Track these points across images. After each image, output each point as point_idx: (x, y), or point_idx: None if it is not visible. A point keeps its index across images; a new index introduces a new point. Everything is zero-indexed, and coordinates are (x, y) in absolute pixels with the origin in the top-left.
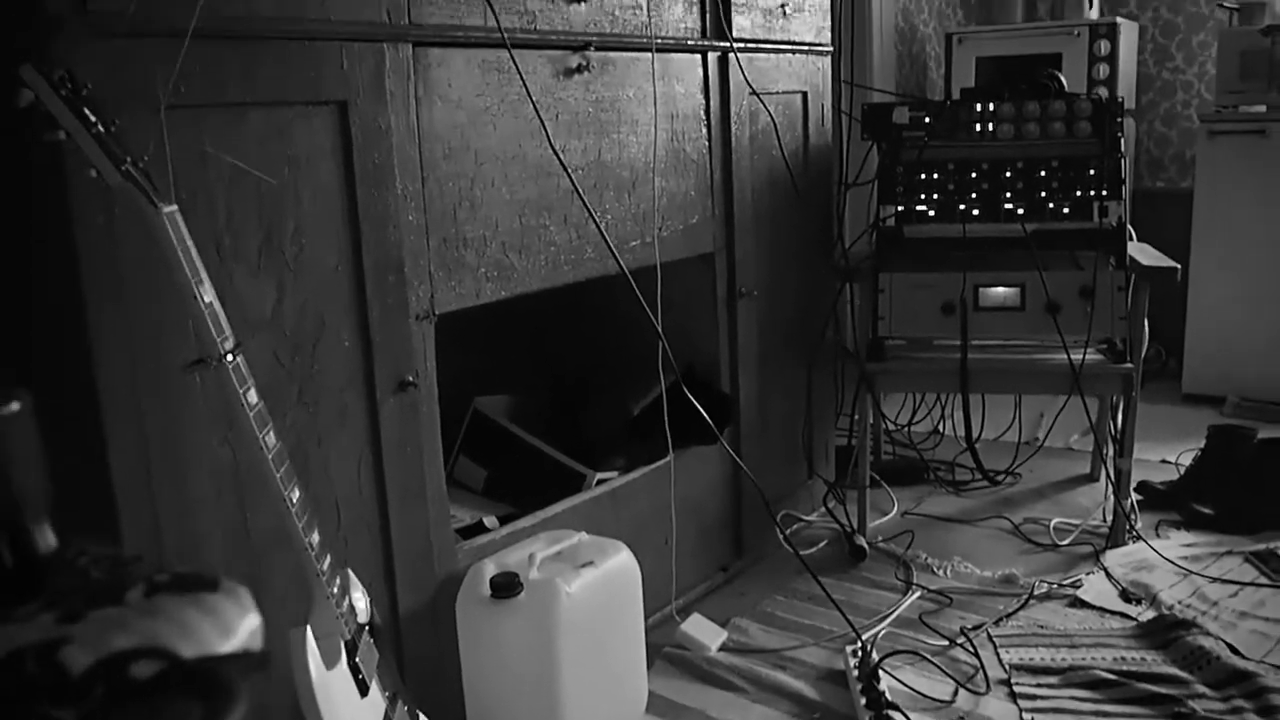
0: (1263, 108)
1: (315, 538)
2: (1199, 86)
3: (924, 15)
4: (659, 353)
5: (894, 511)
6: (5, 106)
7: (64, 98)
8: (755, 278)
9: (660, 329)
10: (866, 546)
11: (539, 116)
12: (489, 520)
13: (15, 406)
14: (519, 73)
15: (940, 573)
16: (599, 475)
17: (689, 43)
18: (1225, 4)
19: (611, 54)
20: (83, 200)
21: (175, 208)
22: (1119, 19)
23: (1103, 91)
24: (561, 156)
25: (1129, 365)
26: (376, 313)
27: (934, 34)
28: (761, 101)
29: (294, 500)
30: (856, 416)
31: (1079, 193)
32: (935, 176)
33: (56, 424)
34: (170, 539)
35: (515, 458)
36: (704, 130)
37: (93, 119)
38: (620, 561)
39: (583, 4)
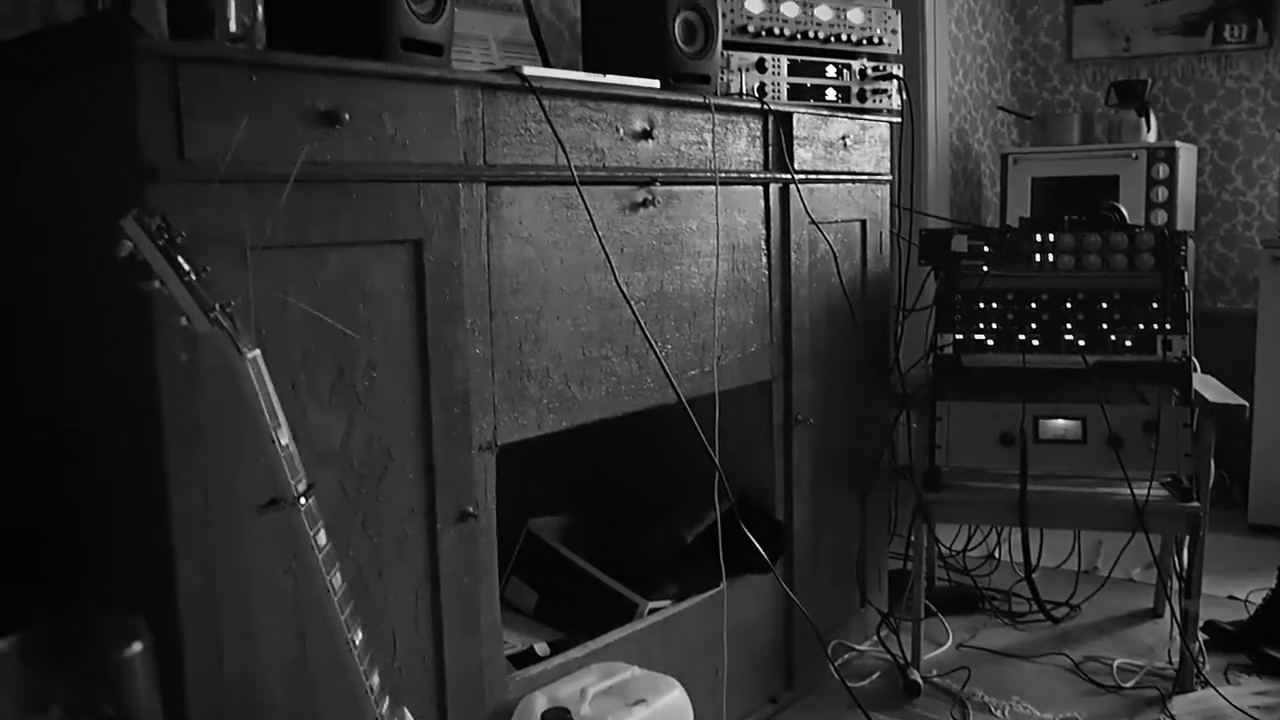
0: None
1: (375, 680)
2: (1260, 209)
3: (978, 134)
4: (715, 481)
5: (949, 643)
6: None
7: (160, 248)
8: (811, 405)
9: (717, 459)
10: (921, 682)
11: (604, 251)
12: (540, 647)
13: (138, 648)
14: (586, 209)
15: (998, 713)
16: (651, 604)
17: (752, 175)
18: None
19: (676, 188)
20: (168, 344)
21: (258, 352)
22: (1177, 143)
23: (1162, 214)
24: (625, 289)
25: (1195, 504)
26: (441, 444)
27: (989, 152)
28: (821, 231)
29: (356, 643)
30: (912, 538)
31: (1142, 325)
32: (994, 305)
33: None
34: (231, 668)
35: (568, 582)
36: (764, 259)
37: (185, 267)
38: (672, 700)
39: (650, 141)
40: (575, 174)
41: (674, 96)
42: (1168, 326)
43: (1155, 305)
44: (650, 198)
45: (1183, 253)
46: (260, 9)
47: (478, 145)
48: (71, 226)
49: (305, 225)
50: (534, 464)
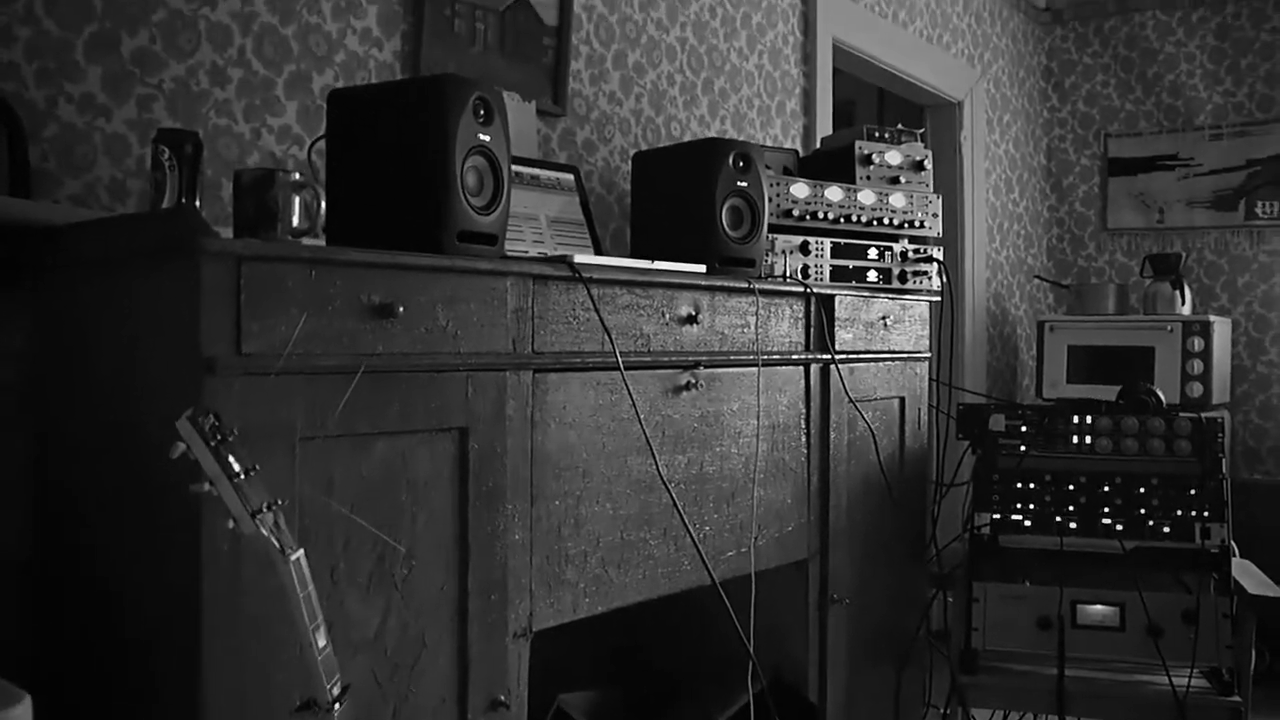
0: None
1: None
2: None
3: (1015, 299)
4: (748, 665)
5: None
6: (141, 442)
7: (212, 449)
8: (847, 583)
9: (751, 645)
10: None
11: (645, 436)
12: None
13: None
14: (630, 395)
15: None
16: None
17: (794, 356)
18: None
19: (719, 370)
20: (213, 542)
21: (301, 553)
22: (1212, 316)
23: (1198, 386)
24: (666, 472)
25: (1237, 699)
26: (476, 632)
27: (1025, 317)
28: (859, 411)
29: None
30: (945, 712)
31: (1180, 512)
32: (1032, 486)
33: None
34: None
35: None
36: (803, 439)
37: (235, 468)
38: None
39: (695, 325)
40: (620, 360)
41: (719, 282)
42: (1206, 514)
43: (1193, 492)
44: (693, 380)
45: (1220, 439)
46: (323, 203)
47: (526, 333)
48: (125, 414)
49: (354, 416)
50: (567, 636)
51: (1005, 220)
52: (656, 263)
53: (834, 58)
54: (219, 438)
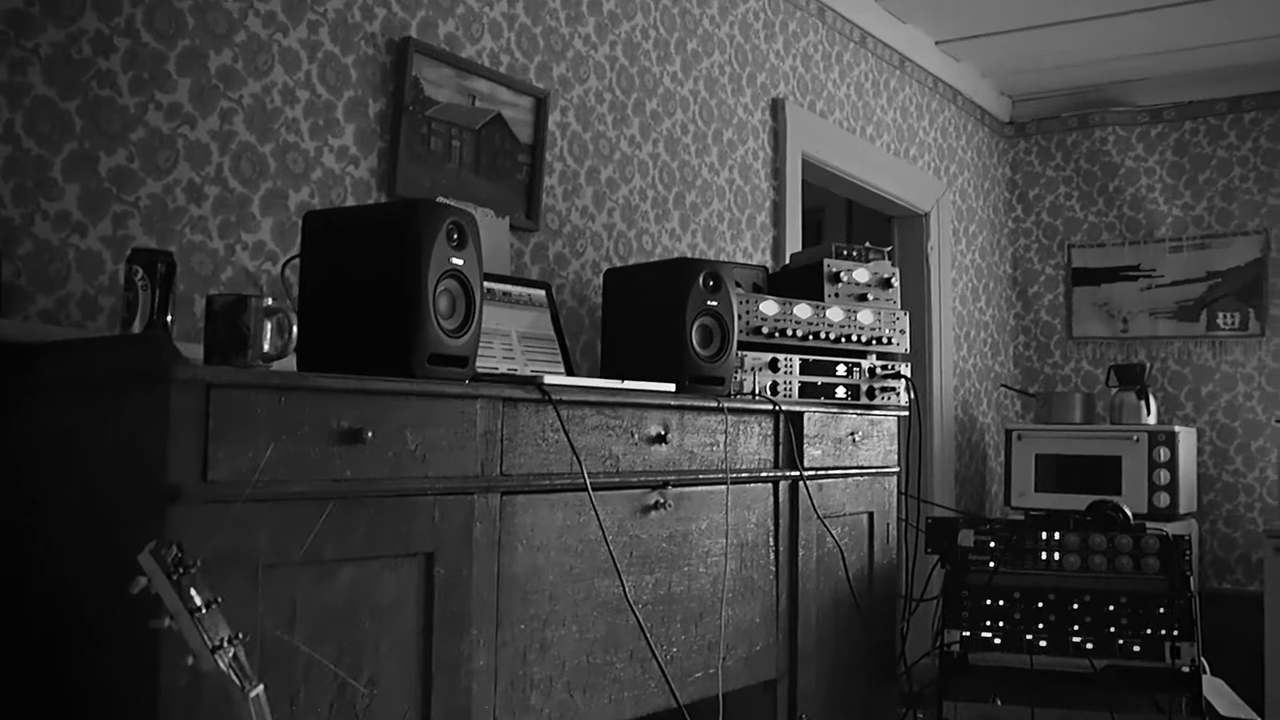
0: None
1: None
2: (1260, 490)
3: (983, 407)
4: None
5: None
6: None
7: (174, 581)
8: (816, 703)
9: None
10: None
11: (613, 558)
12: None
13: None
14: (598, 518)
15: None
16: None
17: (762, 474)
18: None
19: (688, 489)
20: (170, 682)
21: (261, 689)
22: (1177, 427)
23: (1164, 496)
24: (633, 593)
25: None
26: None
27: (993, 424)
28: (827, 527)
29: None
30: None
31: (1149, 631)
32: (1001, 603)
33: None
34: None
35: None
36: (771, 556)
37: (197, 601)
38: None
39: (664, 445)
40: (589, 481)
41: (688, 402)
42: (1176, 633)
43: (1163, 610)
44: (662, 500)
45: (1188, 556)
46: (294, 328)
47: (495, 455)
48: (88, 537)
49: (320, 542)
50: None
51: (972, 329)
52: (626, 382)
53: (803, 171)
54: (181, 570)
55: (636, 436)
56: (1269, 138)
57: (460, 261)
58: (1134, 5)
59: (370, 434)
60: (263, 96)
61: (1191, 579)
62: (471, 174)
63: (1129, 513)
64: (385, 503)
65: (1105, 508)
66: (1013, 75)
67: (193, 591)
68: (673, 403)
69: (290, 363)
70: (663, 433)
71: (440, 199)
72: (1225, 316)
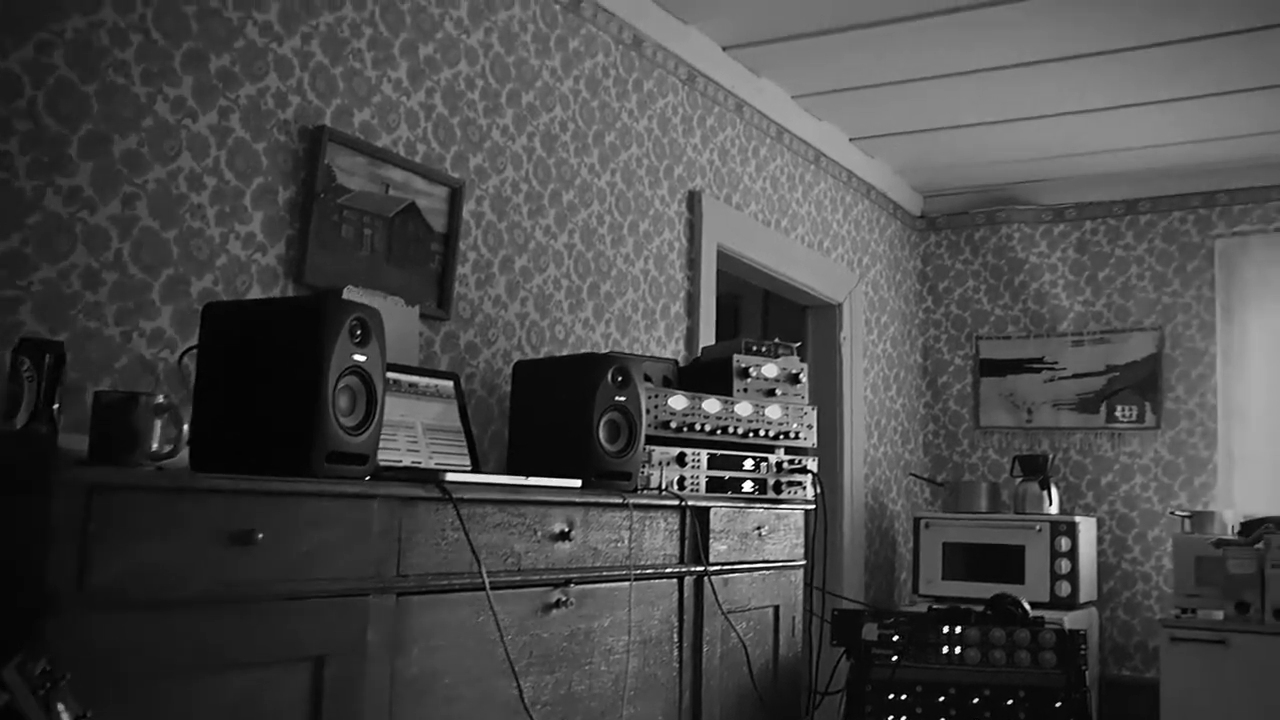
0: (1221, 614)
1: None
2: (1157, 579)
3: (893, 494)
4: None
5: None
6: None
7: (40, 697)
8: None
9: None
10: None
11: (509, 660)
12: None
13: None
14: (495, 620)
15: None
16: None
17: (667, 570)
18: (1176, 512)
19: (591, 586)
20: None
21: None
22: (1078, 517)
23: (1066, 585)
24: (533, 694)
25: None
26: None
27: (903, 511)
28: (731, 624)
29: None
30: None
31: None
32: (904, 697)
33: None
34: None
35: None
36: (675, 653)
37: (66, 718)
38: None
39: (568, 541)
40: (488, 581)
41: (593, 499)
42: None
43: (1059, 705)
44: (564, 598)
45: (1083, 651)
46: (186, 426)
47: (392, 556)
48: None
49: (205, 649)
50: None
51: (884, 417)
52: (530, 479)
53: (719, 262)
54: (49, 685)
55: (540, 533)
56: (1163, 239)
57: (362, 358)
58: (1036, 112)
59: (261, 535)
60: (168, 182)
61: (1087, 673)
62: (383, 262)
63: (1027, 606)
64: (276, 605)
65: (1005, 601)
66: (924, 172)
67: (61, 707)
68: (577, 499)
69: (184, 459)
70: (567, 529)
71: (349, 288)
72: (1123, 409)
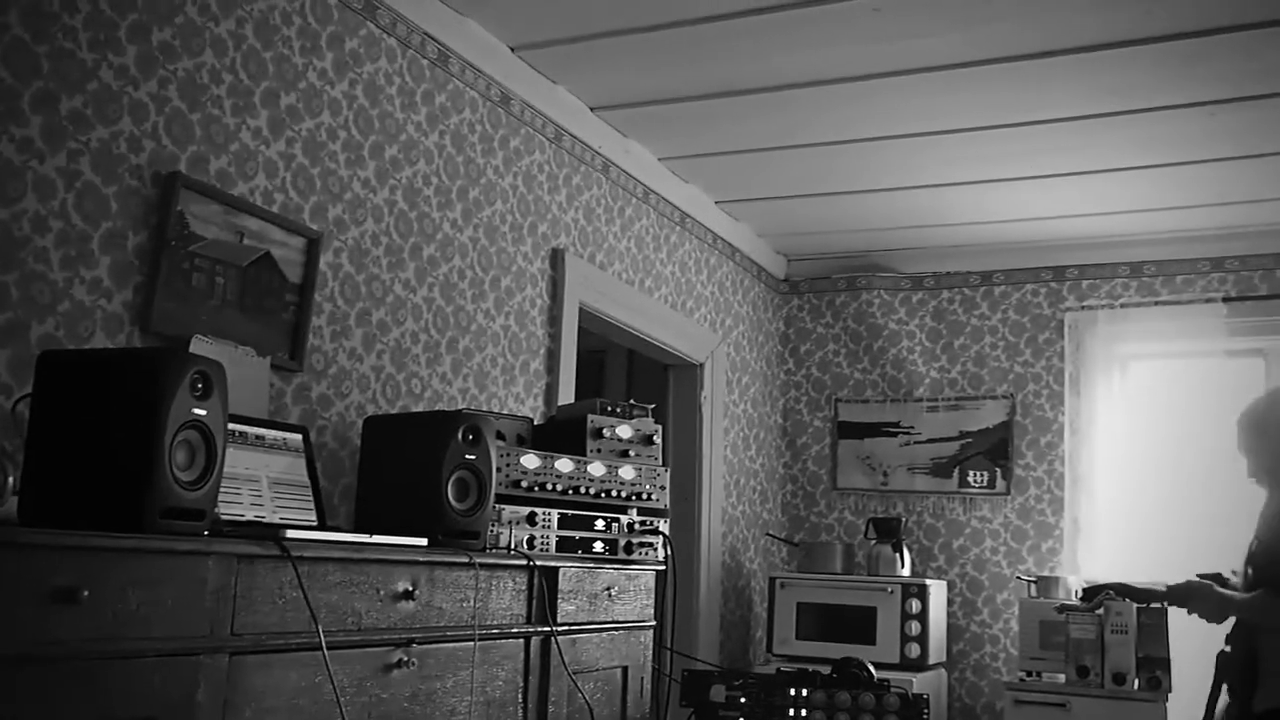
0: (1062, 678)
1: None
2: (1005, 642)
3: (750, 553)
4: None
5: None
6: None
7: None
8: None
9: None
10: None
11: None
12: None
13: None
14: (332, 683)
15: None
16: None
17: (513, 630)
18: (1022, 577)
19: (434, 646)
20: None
21: None
22: (929, 580)
23: (915, 647)
24: None
25: None
26: None
27: (760, 570)
28: (576, 685)
29: None
30: None
31: None
32: None
33: None
34: None
35: None
36: (520, 713)
37: None
38: None
39: (411, 601)
40: (324, 641)
41: (438, 558)
42: None
43: None
44: (406, 658)
45: (926, 714)
46: (11, 477)
47: (226, 615)
48: None
49: (22, 711)
50: None
51: (743, 476)
52: (374, 537)
53: (582, 320)
54: None
55: (382, 593)
56: (1016, 310)
57: (203, 411)
58: (898, 182)
59: (87, 593)
60: (10, 224)
61: None
62: (235, 311)
63: (872, 670)
64: (100, 665)
65: (851, 665)
66: (787, 237)
67: None
68: (421, 559)
69: (12, 507)
70: (410, 588)
71: (197, 338)
72: (975, 475)
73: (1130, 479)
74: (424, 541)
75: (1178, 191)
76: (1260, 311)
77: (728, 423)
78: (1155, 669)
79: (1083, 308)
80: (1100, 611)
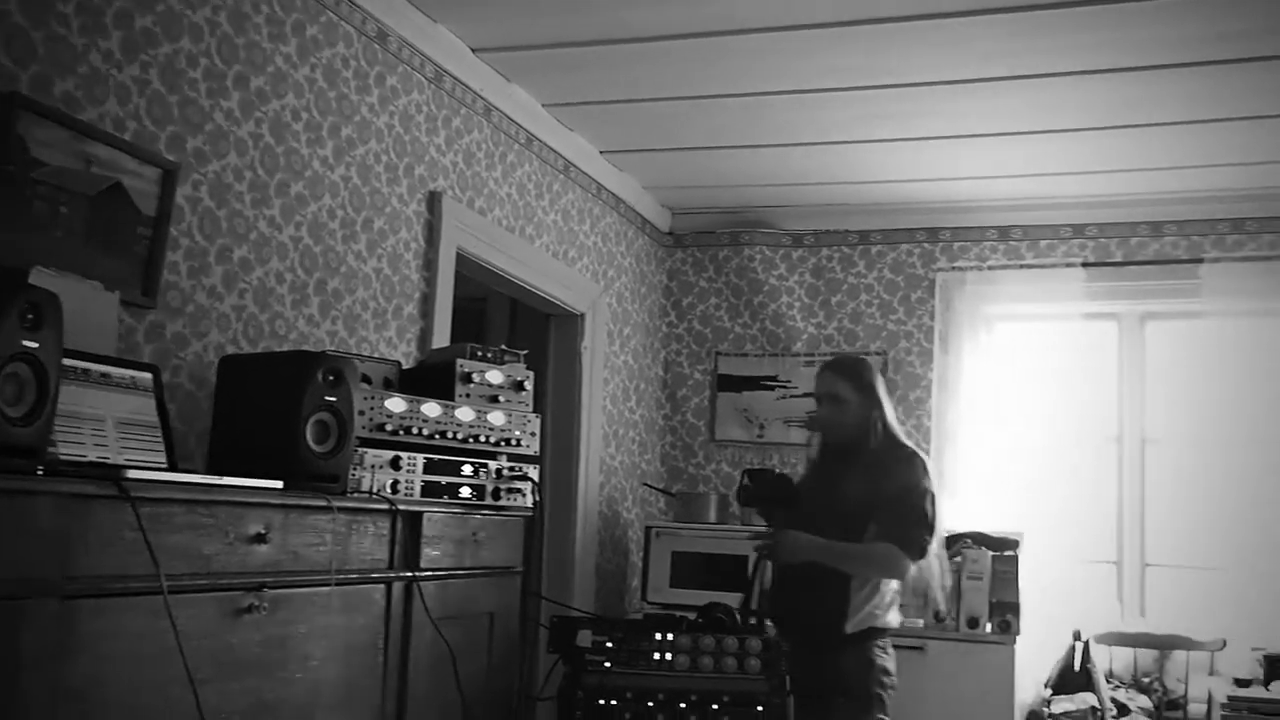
0: (921, 622)
1: None
2: None
3: (628, 503)
4: None
5: None
6: None
7: None
8: None
9: None
10: None
11: (186, 669)
12: None
13: None
14: (173, 626)
15: None
16: None
17: (374, 575)
18: None
19: (289, 590)
20: None
21: None
22: None
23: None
24: (218, 703)
25: None
26: None
27: (637, 520)
28: (438, 629)
29: None
30: None
31: None
32: (614, 703)
33: None
34: None
35: None
36: (380, 660)
37: None
38: None
39: (265, 544)
40: (166, 585)
41: (294, 500)
42: None
43: (761, 709)
44: (258, 603)
45: (785, 656)
46: None
47: (60, 557)
48: None
49: None
50: None
51: (622, 427)
52: (225, 478)
53: (460, 266)
54: None
55: (233, 536)
56: (891, 269)
57: (34, 344)
58: (781, 139)
59: None
60: None
61: (788, 679)
62: (81, 243)
63: (738, 615)
64: None
65: (716, 610)
66: (672, 190)
67: None
68: (275, 501)
69: None
70: (264, 532)
71: (38, 269)
72: None
73: (993, 434)
74: (279, 484)
75: (1045, 159)
76: (1115, 276)
77: (608, 373)
78: (1006, 613)
79: (953, 269)
80: (958, 559)
